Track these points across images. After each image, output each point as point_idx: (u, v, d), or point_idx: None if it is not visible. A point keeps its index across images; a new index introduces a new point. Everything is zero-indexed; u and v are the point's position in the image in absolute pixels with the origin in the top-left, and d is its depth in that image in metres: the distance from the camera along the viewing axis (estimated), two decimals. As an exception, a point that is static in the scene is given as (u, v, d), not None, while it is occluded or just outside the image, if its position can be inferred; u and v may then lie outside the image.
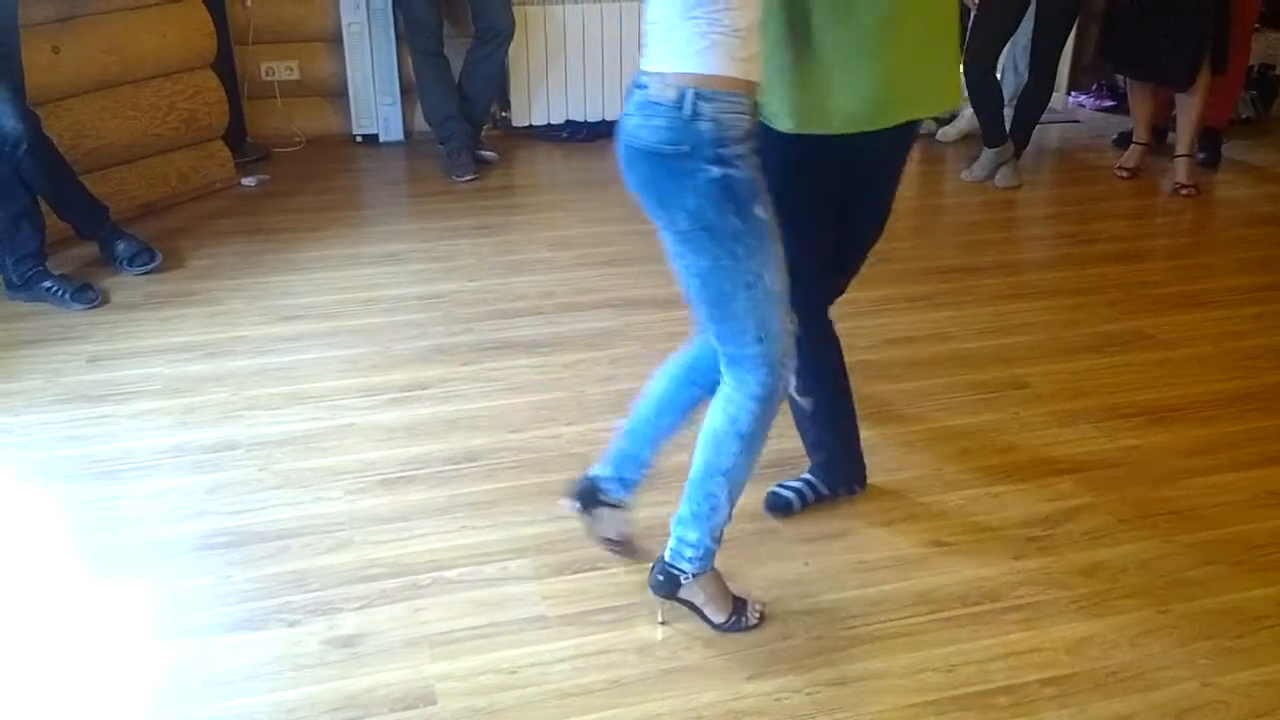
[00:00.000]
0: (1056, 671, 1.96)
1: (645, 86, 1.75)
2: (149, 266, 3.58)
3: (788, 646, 2.03)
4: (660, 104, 1.72)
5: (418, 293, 3.47)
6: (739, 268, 1.79)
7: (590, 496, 2.21)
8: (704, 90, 1.70)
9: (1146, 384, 2.95)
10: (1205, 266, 3.79)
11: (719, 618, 2.05)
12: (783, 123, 2.02)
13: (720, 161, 1.72)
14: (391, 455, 2.60)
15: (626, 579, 2.19)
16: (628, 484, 2.19)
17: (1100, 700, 1.90)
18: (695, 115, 1.70)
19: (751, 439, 1.93)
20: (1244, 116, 5.24)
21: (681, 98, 1.70)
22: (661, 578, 2.05)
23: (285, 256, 3.73)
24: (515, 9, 4.57)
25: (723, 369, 1.93)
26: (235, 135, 4.53)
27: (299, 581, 2.17)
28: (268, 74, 4.80)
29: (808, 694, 1.92)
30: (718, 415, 1.94)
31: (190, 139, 4.19)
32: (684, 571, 2.02)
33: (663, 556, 2.06)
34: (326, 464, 2.57)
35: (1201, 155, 4.58)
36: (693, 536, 2.00)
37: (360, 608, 2.10)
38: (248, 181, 4.41)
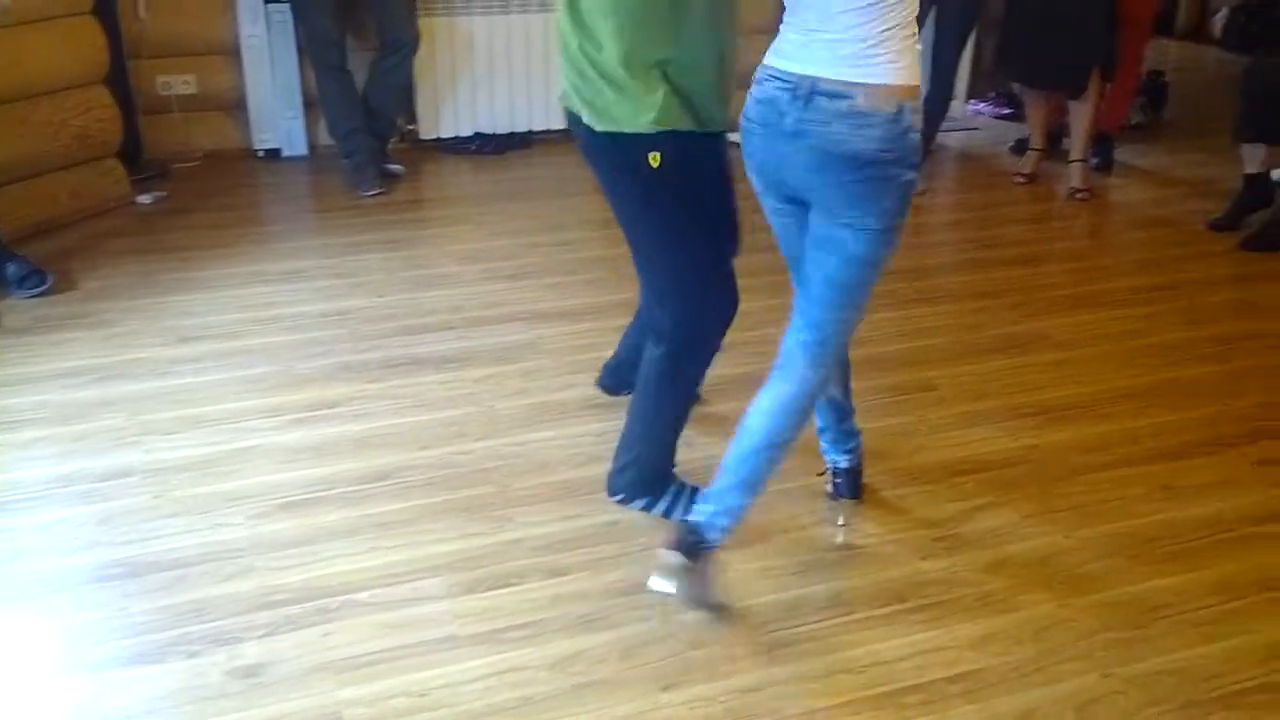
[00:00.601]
0: (963, 668, 1.99)
1: (848, 96, 1.83)
2: (40, 289, 3.45)
3: (702, 655, 2.02)
4: (876, 114, 1.83)
5: (322, 310, 3.40)
6: (888, 260, 1.99)
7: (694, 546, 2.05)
8: (913, 104, 1.87)
9: (1047, 383, 3.03)
10: (1101, 268, 3.90)
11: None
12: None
13: (914, 166, 1.90)
14: (296, 477, 2.54)
15: (540, 594, 2.17)
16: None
17: (1005, 695, 1.93)
18: (909, 126, 1.86)
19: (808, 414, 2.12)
20: (1135, 122, 5.41)
21: (900, 110, 1.84)
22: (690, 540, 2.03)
23: (183, 275, 3.63)
24: (421, 20, 4.52)
25: (805, 354, 2.04)
26: (130, 151, 4.40)
27: (198, 611, 2.10)
28: (164, 88, 4.67)
29: (723, 702, 1.91)
30: (790, 391, 2.05)
31: (83, 156, 4.06)
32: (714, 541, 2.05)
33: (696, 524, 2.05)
34: (227, 489, 2.49)
35: (1095, 160, 4.72)
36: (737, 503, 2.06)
37: (263, 636, 2.05)
38: (144, 199, 4.29)
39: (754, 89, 1.96)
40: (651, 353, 2.31)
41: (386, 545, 2.31)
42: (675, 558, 2.01)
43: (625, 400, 2.82)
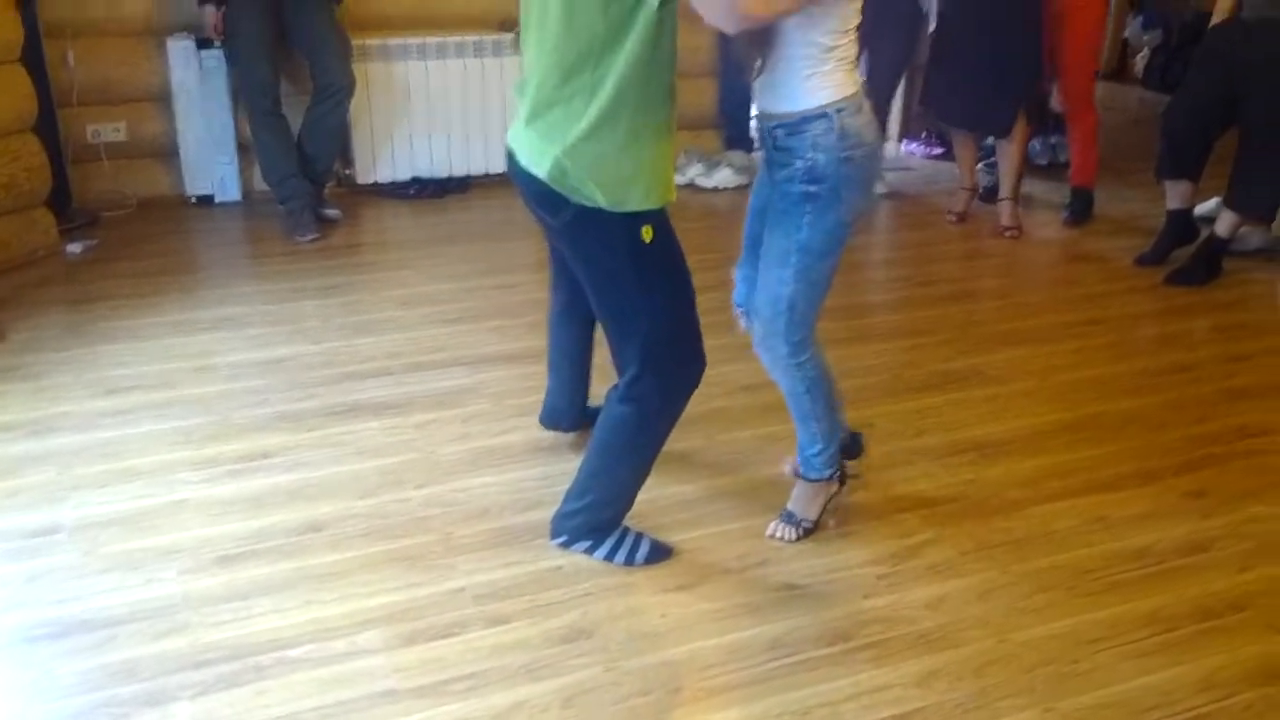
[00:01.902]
0: (907, 707, 2.00)
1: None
2: (-37, 341, 3.37)
3: (647, 702, 2.01)
4: None
5: (257, 358, 3.35)
6: None
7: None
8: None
9: (981, 419, 3.07)
10: (1031, 304, 3.98)
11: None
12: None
13: None
14: (229, 530, 2.49)
15: (482, 644, 2.14)
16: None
17: (949, 733, 1.94)
18: None
19: None
20: (1063, 160, 5.55)
21: None
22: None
23: (113, 325, 3.56)
24: (356, 66, 4.52)
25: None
26: (59, 200, 4.32)
27: (128, 671, 2.04)
28: (93, 136, 4.61)
29: (666, 750, 1.90)
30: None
31: (10, 206, 3.98)
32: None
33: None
34: (158, 544, 2.44)
35: (1067, 214, 4.76)
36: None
37: (196, 695, 1.99)
38: (73, 248, 4.21)
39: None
40: (619, 410, 2.30)
41: (323, 599, 2.26)
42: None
43: (568, 441, 2.83)
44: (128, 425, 2.95)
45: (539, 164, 2.14)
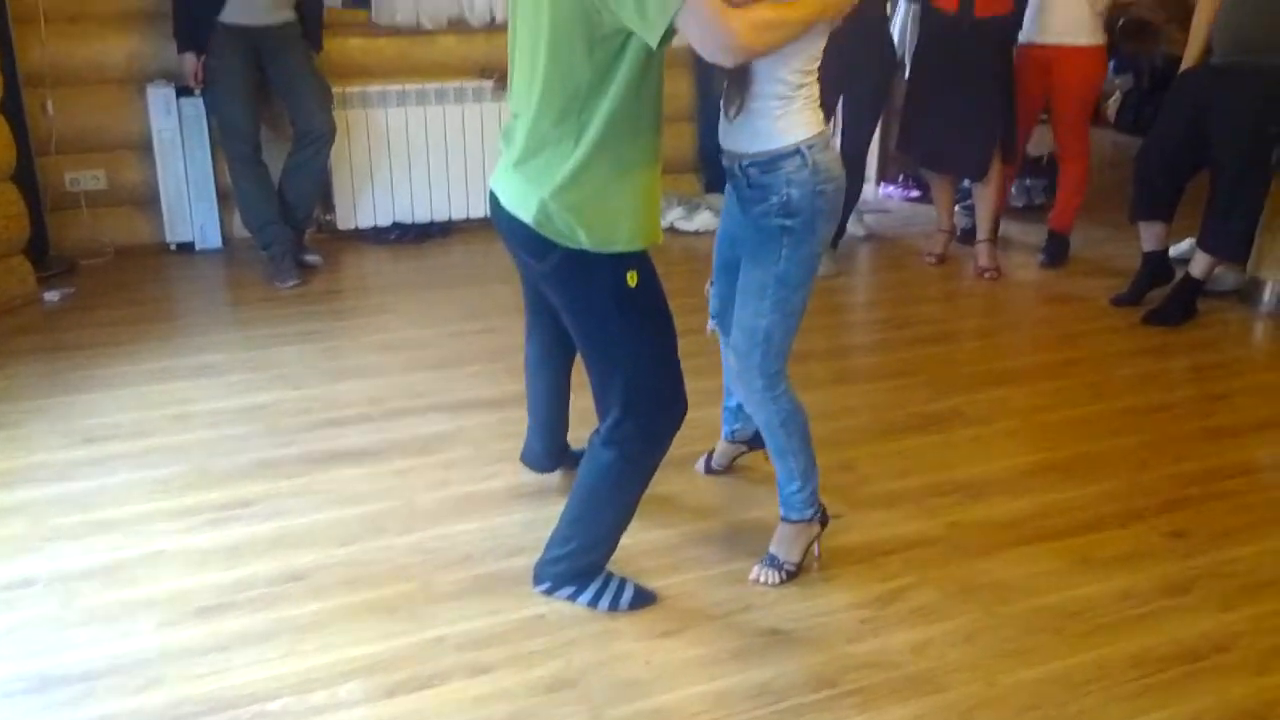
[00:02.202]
0: (895, 754, 1.98)
1: None
2: (-62, 391, 3.33)
3: (630, 752, 1.98)
4: None
5: (236, 405, 3.33)
6: None
7: None
8: None
9: (963, 460, 3.08)
10: (1010, 345, 4.01)
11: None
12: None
13: None
14: (208, 581, 2.46)
15: (463, 694, 2.12)
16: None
17: (937, 780, 1.92)
18: None
19: None
20: (1038, 203, 5.63)
21: None
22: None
23: (90, 374, 3.54)
24: (335, 112, 4.54)
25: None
26: (37, 248, 4.31)
27: (104, 727, 2.01)
28: (72, 184, 4.60)
29: (652, 801, 1.88)
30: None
31: (-13, 254, 3.96)
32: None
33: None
34: (136, 595, 2.40)
35: (1043, 257, 4.80)
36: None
37: (173, 751, 1.96)
38: (50, 296, 4.19)
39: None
40: (602, 455, 2.30)
41: (302, 649, 2.23)
42: None
43: (551, 486, 2.82)
44: (105, 475, 2.91)
45: (524, 208, 2.15)
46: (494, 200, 2.26)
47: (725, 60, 2.01)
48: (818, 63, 2.25)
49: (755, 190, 2.28)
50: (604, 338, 2.23)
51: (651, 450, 2.32)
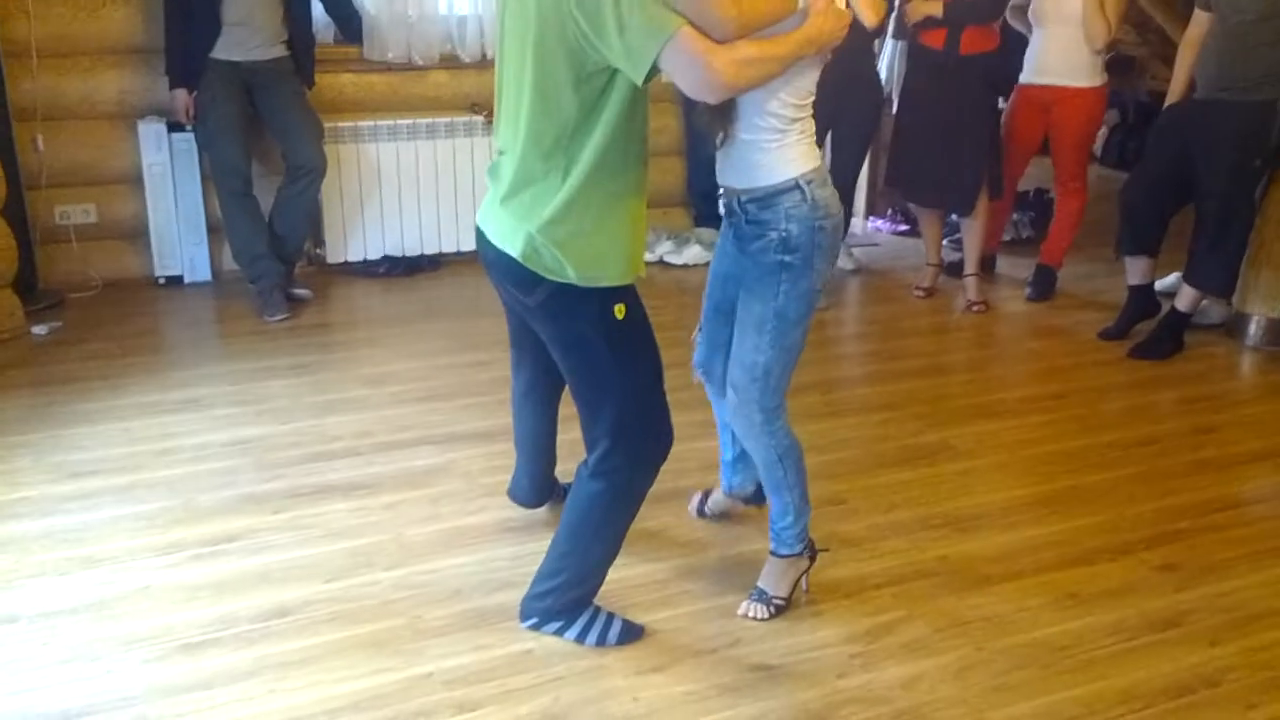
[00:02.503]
0: (885, 792, 1.97)
1: None
2: (-77, 425, 3.31)
3: (618, 790, 1.97)
4: None
5: (223, 439, 3.32)
6: None
7: None
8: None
9: (952, 494, 3.08)
10: (999, 378, 4.02)
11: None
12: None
13: None
14: (193, 617, 2.44)
15: (449, 732, 2.10)
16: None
17: (928, 818, 1.91)
18: None
19: None
20: (1024, 236, 5.66)
21: None
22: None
23: (76, 408, 3.52)
24: (327, 147, 4.55)
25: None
26: (25, 282, 4.30)
27: (85, 767, 1.99)
28: (61, 218, 4.60)
29: (640, 840, 1.86)
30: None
31: (-25, 288, 3.95)
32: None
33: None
34: (120, 632, 2.38)
35: (1030, 290, 4.82)
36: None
37: (155, 791, 1.93)
38: (38, 330, 4.17)
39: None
40: (590, 487, 2.30)
41: (288, 687, 2.21)
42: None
43: (539, 519, 2.81)
44: (89, 510, 2.89)
45: (512, 243, 2.15)
46: (480, 236, 2.27)
47: (708, 97, 2.03)
48: (812, 96, 2.26)
49: (753, 226, 2.29)
50: (592, 370, 2.23)
51: (640, 481, 2.32)
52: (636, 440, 2.27)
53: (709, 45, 1.96)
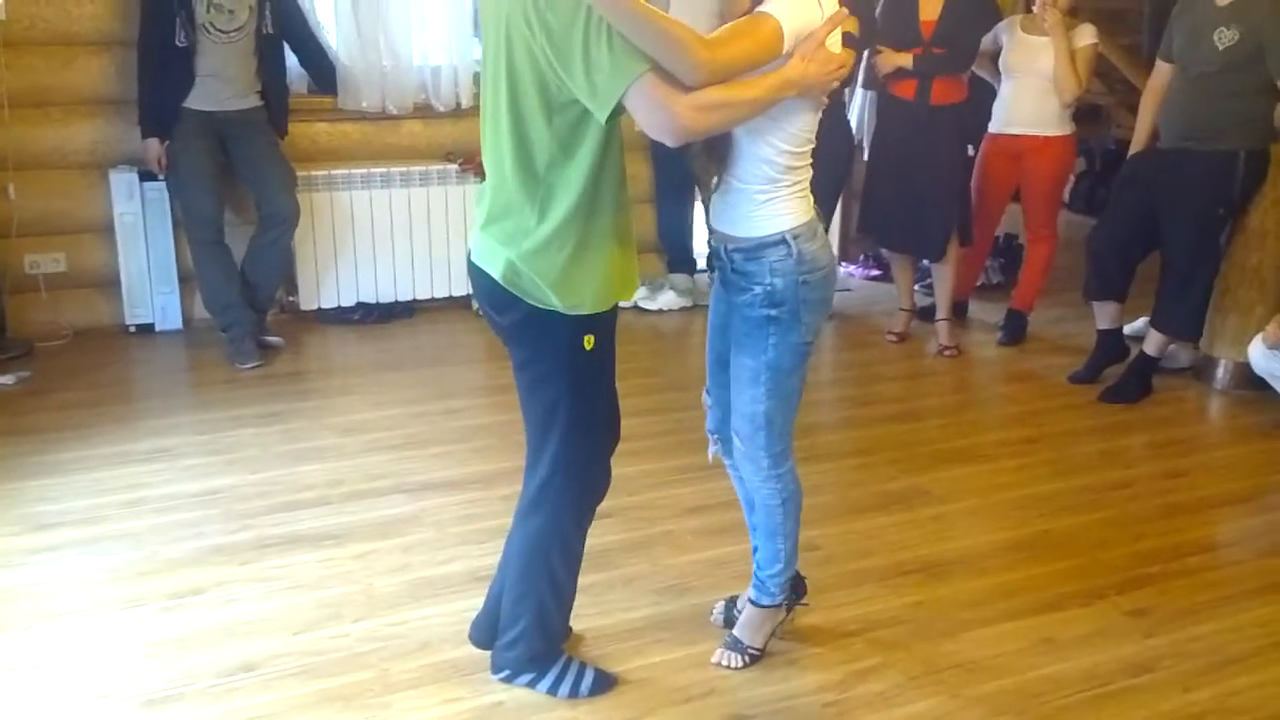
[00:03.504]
0: (859, 844, 1.94)
1: None
2: (-116, 477, 3.26)
3: (590, 846, 1.93)
4: None
5: (191, 489, 3.28)
6: None
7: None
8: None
9: (925, 539, 3.07)
10: (971, 422, 4.03)
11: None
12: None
13: None
14: (157, 672, 2.39)
15: (417, 788, 2.06)
16: None
17: None
18: None
19: None
20: (995, 282, 5.72)
21: None
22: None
23: (42, 459, 3.47)
24: (300, 194, 4.56)
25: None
26: (-7, 331, 4.27)
27: (41, 829, 1.93)
28: (31, 266, 4.57)
29: None
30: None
31: (-59, 337, 3.91)
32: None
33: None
34: (83, 688, 2.33)
35: (1001, 335, 4.86)
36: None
37: None
38: (5, 380, 4.13)
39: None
40: (529, 525, 2.28)
41: (253, 743, 2.17)
42: None
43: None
44: (52, 563, 2.85)
45: (493, 264, 2.16)
46: (468, 254, 2.28)
47: (669, 140, 2.03)
48: (810, 144, 2.23)
49: (739, 276, 2.27)
50: (549, 394, 2.23)
51: (578, 511, 2.31)
52: (578, 471, 2.26)
53: (674, 90, 1.96)
